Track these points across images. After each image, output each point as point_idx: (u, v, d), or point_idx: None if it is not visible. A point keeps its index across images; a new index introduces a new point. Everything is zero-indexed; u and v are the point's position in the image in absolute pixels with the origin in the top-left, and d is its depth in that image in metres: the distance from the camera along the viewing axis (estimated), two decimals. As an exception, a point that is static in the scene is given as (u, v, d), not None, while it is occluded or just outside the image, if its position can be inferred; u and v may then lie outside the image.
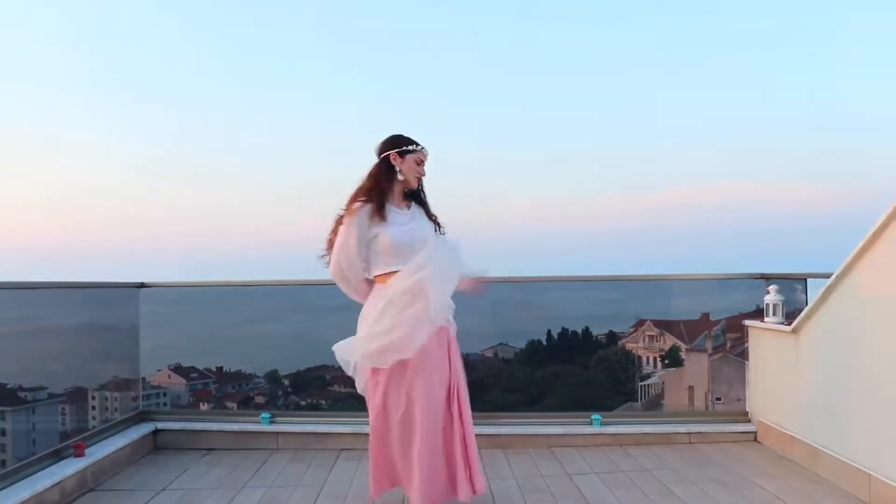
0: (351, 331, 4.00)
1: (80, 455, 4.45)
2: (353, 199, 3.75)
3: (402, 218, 3.75)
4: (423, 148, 3.86)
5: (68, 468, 4.23)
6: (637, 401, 6.43)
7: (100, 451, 4.63)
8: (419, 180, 3.89)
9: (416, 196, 3.93)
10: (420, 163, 3.85)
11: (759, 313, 5.55)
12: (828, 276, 4.45)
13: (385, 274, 3.71)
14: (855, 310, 4.19)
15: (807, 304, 4.81)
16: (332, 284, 5.88)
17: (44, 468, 4.17)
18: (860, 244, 4.02)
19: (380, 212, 3.69)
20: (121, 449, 4.85)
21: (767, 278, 5.60)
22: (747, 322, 5.64)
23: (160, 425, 5.42)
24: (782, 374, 5.04)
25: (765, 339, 5.35)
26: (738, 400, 5.85)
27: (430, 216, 3.93)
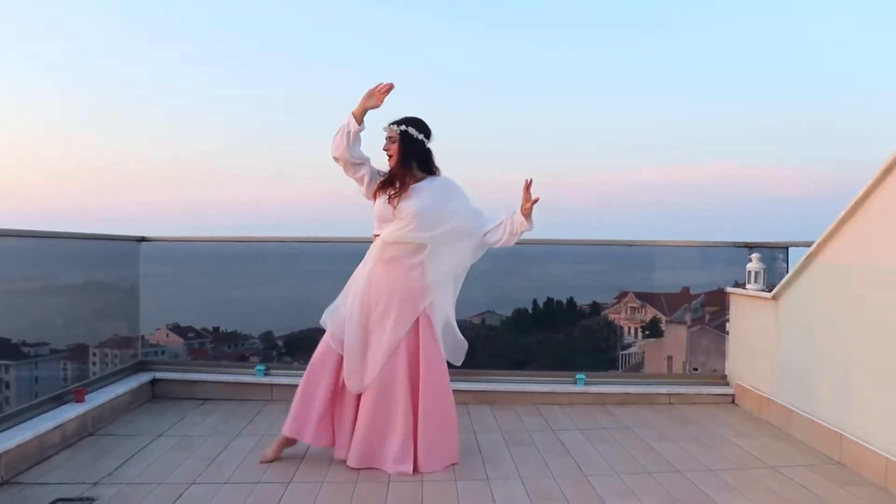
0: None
1: (80, 401, 4.55)
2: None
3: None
4: (385, 126, 4.08)
5: (69, 412, 4.33)
6: (618, 369, 6.60)
7: (99, 398, 4.73)
8: (391, 159, 4.06)
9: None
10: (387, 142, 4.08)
11: (737, 288, 5.72)
12: (808, 244, 4.59)
13: (375, 234, 4.08)
14: (833, 278, 4.35)
15: (787, 273, 4.98)
16: (326, 242, 6.02)
17: (45, 412, 4.26)
18: (840, 214, 4.16)
19: (384, 185, 4.05)
20: (120, 396, 4.96)
21: (750, 247, 5.75)
22: (729, 289, 5.81)
23: (158, 375, 5.53)
24: (761, 340, 5.22)
25: (745, 305, 5.53)
26: (714, 371, 6.03)
27: (398, 186, 3.99)
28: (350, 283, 4.13)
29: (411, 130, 4.01)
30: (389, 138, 4.04)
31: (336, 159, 4.01)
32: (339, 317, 4.06)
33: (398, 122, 4.03)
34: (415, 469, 3.89)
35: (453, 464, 4.03)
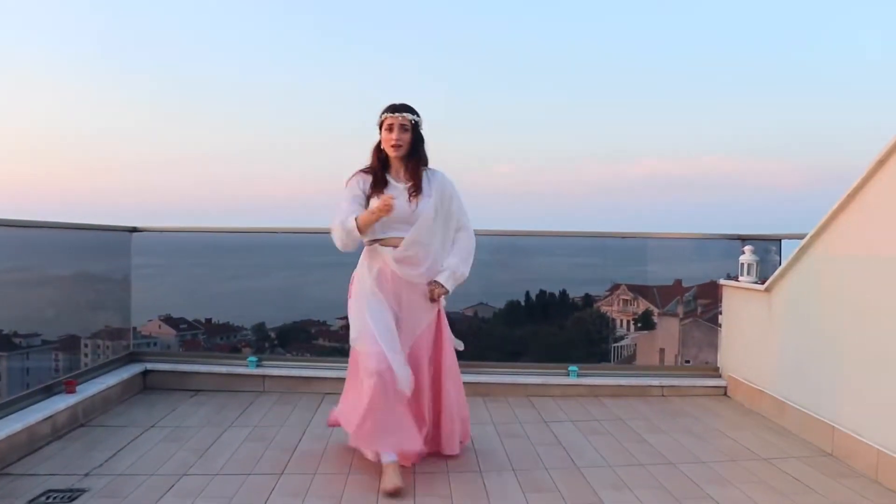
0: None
1: (71, 392, 4.53)
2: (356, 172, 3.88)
3: (394, 192, 3.71)
4: (387, 114, 3.75)
5: (60, 403, 4.31)
6: (611, 361, 6.61)
7: (91, 389, 4.72)
8: (396, 149, 3.73)
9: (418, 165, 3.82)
10: (390, 129, 3.72)
11: (730, 280, 5.72)
12: (801, 237, 4.60)
13: (372, 241, 3.80)
14: (826, 270, 4.35)
15: (780, 265, 4.97)
16: (322, 233, 6.02)
17: (36, 403, 4.25)
18: (834, 206, 4.16)
19: (376, 185, 3.77)
20: (111, 387, 4.94)
21: (743, 239, 5.76)
22: (722, 281, 5.81)
23: (150, 366, 5.51)
24: (754, 332, 5.23)
25: (738, 297, 5.53)
26: (706, 363, 6.03)
27: (415, 182, 3.77)
28: (358, 297, 3.81)
29: (421, 122, 3.81)
30: (402, 126, 3.71)
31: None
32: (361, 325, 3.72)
33: (408, 110, 3.75)
34: (439, 452, 3.92)
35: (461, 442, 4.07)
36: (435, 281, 3.79)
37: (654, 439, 4.41)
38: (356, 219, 3.64)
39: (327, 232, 6.04)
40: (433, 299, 3.81)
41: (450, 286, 3.83)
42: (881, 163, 3.71)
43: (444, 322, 3.96)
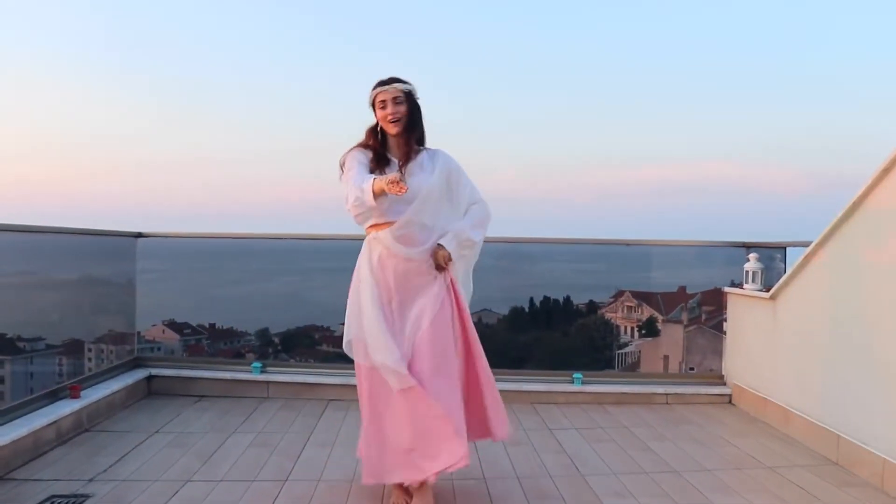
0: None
1: (75, 397, 4.53)
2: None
3: (394, 171, 3.30)
4: (377, 89, 3.39)
5: (64, 408, 4.32)
6: (615, 368, 6.59)
7: (95, 394, 4.72)
8: (394, 124, 3.36)
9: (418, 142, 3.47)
10: (383, 105, 3.36)
11: (735, 288, 5.72)
12: (807, 244, 4.58)
13: (372, 226, 3.41)
14: (832, 278, 4.34)
15: (785, 273, 4.97)
16: (322, 239, 6.00)
17: (40, 408, 4.25)
18: (839, 214, 4.15)
19: (377, 163, 3.40)
20: (115, 392, 4.94)
21: (748, 246, 5.75)
22: (726, 289, 5.80)
23: (154, 371, 5.53)
24: (758, 340, 5.21)
25: (743, 305, 5.52)
26: (711, 370, 6.02)
27: (405, 158, 3.39)
28: (355, 283, 3.50)
29: (415, 90, 3.43)
30: (395, 99, 3.34)
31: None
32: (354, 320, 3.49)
33: (397, 81, 3.38)
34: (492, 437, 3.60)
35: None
36: (439, 244, 3.38)
37: (659, 447, 4.41)
38: (374, 181, 3.15)
39: (329, 238, 6.04)
40: (440, 266, 3.39)
41: (452, 248, 3.37)
42: (886, 171, 3.70)
43: (461, 296, 3.52)
